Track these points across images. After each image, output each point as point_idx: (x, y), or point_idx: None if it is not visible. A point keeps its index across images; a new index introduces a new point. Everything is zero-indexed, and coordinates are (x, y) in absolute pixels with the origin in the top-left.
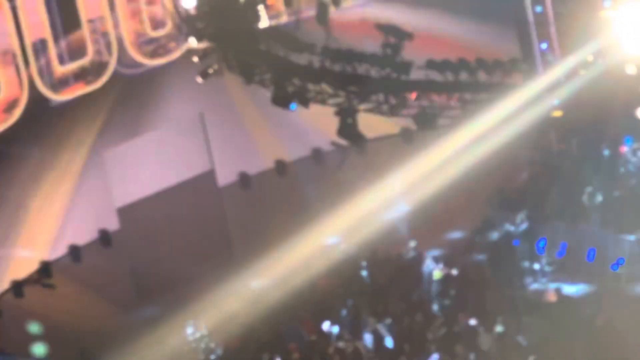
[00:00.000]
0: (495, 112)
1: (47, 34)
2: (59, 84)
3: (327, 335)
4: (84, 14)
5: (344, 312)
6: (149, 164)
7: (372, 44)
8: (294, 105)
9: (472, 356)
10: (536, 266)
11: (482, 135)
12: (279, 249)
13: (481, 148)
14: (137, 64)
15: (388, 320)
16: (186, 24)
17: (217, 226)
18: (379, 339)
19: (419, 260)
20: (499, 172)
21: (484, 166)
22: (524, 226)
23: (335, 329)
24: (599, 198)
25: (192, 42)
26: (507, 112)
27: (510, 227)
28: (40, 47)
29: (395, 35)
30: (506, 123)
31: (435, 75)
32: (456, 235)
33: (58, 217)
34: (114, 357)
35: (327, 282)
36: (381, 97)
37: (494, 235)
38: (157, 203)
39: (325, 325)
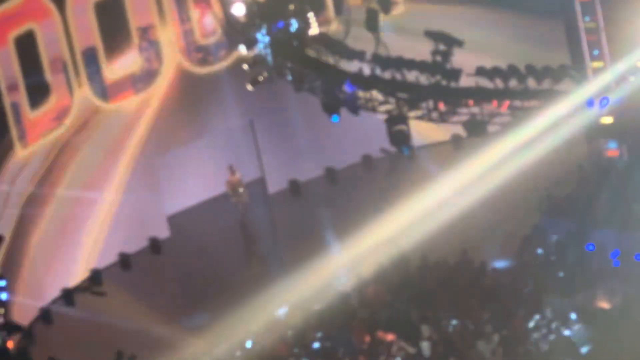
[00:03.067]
0: (545, 119)
1: (97, 41)
2: (109, 91)
3: (380, 343)
4: (133, 21)
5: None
6: (199, 171)
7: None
8: (336, 117)
9: None
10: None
11: (531, 142)
12: (328, 254)
13: (530, 154)
14: (187, 72)
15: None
16: (236, 32)
17: (266, 233)
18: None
19: (469, 266)
20: (548, 179)
21: (533, 173)
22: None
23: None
24: None
25: (242, 50)
26: (557, 118)
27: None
28: (90, 55)
29: (445, 42)
30: (555, 129)
31: (485, 82)
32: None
33: (108, 224)
34: None
35: (375, 288)
36: (431, 104)
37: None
38: (207, 211)
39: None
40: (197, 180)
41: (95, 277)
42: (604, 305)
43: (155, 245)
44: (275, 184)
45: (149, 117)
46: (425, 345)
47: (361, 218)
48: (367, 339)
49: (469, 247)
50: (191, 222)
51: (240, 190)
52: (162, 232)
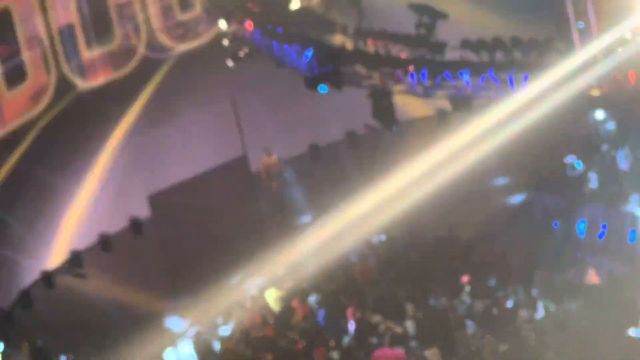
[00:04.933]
0: (532, 92)
1: (75, 19)
2: (87, 69)
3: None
4: None
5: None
6: (180, 150)
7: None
8: (324, 88)
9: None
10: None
11: (517, 115)
12: (313, 234)
13: (517, 128)
14: (166, 49)
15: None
16: (216, 6)
17: (250, 213)
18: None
19: (456, 242)
20: (535, 154)
21: (520, 147)
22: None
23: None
24: None
25: (222, 25)
26: (544, 91)
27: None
28: (67, 33)
29: (429, 14)
30: (543, 102)
31: (470, 55)
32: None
33: (88, 204)
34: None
35: (362, 266)
36: (415, 78)
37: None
38: (189, 190)
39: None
40: (179, 158)
41: (75, 259)
42: (594, 280)
43: (136, 226)
44: (259, 162)
45: (129, 94)
46: (410, 325)
47: (346, 195)
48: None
49: (457, 222)
50: (173, 202)
51: (276, 173)
52: (144, 212)
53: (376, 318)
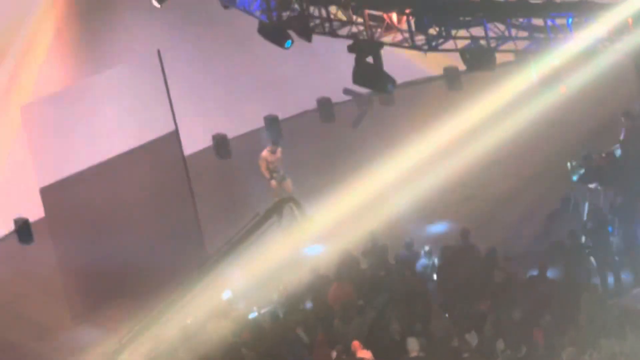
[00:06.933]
0: (577, 44)
1: None
2: None
3: None
4: None
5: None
6: (85, 124)
7: None
8: (289, 43)
9: None
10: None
11: (557, 78)
12: (263, 238)
13: (557, 96)
14: None
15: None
16: None
17: (182, 207)
18: None
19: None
20: (582, 132)
21: (561, 122)
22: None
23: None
24: None
25: None
26: (594, 43)
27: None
28: None
29: None
30: (591, 59)
31: None
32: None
33: None
34: None
35: (338, 287)
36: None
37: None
38: (97, 179)
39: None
40: (83, 137)
41: None
42: None
43: (23, 230)
44: (194, 142)
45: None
46: None
47: (317, 186)
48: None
49: (472, 227)
50: (76, 196)
51: (280, 178)
52: (35, 211)
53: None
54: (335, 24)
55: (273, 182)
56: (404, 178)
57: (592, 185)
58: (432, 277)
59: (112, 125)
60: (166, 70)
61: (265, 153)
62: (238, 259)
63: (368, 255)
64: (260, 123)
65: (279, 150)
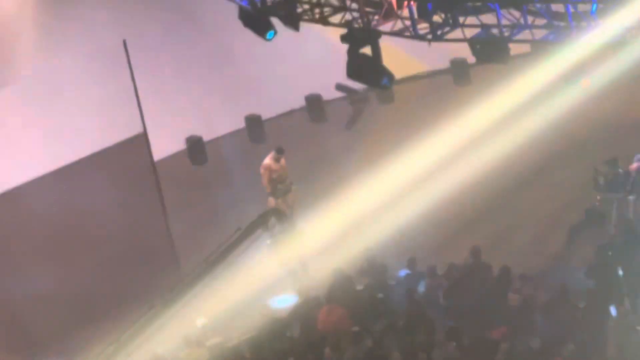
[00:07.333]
0: (600, 35)
1: None
2: None
3: None
4: None
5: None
6: (37, 125)
7: None
8: (271, 34)
9: None
10: None
11: (578, 73)
12: (245, 255)
13: (577, 94)
14: None
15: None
16: None
17: (151, 220)
18: None
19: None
20: (608, 134)
21: (582, 124)
22: None
23: None
24: None
25: None
26: (619, 34)
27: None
28: None
29: None
30: (617, 53)
31: None
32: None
33: None
34: None
35: (329, 310)
36: (417, 10)
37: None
38: (51, 190)
39: None
40: (35, 140)
41: None
42: None
43: None
44: (165, 145)
45: None
46: None
47: (306, 195)
48: None
49: (484, 243)
50: (28, 209)
51: (285, 188)
52: None
53: None
54: (327, 9)
55: (271, 200)
56: (404, 186)
57: (620, 194)
58: (437, 300)
59: (69, 125)
60: (133, 63)
61: (268, 161)
62: (216, 280)
63: (364, 275)
64: (241, 124)
65: (283, 159)
